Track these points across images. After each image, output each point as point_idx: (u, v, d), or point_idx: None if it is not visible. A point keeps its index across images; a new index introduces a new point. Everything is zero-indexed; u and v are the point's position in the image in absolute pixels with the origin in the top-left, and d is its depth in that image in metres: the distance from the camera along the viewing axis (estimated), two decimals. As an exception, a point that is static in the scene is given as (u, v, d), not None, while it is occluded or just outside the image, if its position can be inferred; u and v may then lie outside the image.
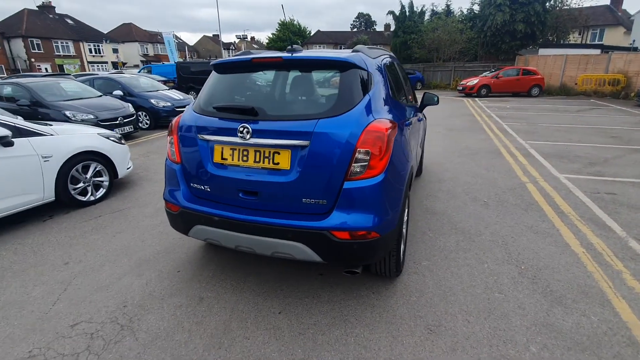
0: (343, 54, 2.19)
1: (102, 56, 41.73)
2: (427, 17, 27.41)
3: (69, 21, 40.21)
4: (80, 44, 38.67)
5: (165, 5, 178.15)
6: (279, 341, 1.96)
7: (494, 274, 2.56)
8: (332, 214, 1.93)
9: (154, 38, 48.96)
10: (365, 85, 2.09)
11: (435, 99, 4.03)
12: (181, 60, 27.51)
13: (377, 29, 51.16)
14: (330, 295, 2.35)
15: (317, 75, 2.35)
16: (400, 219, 2.17)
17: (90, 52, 40.57)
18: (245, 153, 2.06)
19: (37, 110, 7.10)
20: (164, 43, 52.28)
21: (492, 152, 6.17)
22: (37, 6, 37.68)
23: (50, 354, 1.89)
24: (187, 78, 15.70)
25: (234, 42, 76.77)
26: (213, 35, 47.47)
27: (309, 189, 1.95)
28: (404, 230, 2.55)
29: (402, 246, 2.42)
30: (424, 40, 24.44)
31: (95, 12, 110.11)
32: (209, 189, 2.20)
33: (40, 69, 34.32)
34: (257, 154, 2.03)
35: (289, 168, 1.97)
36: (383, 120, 2.01)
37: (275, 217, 1.99)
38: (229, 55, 72.16)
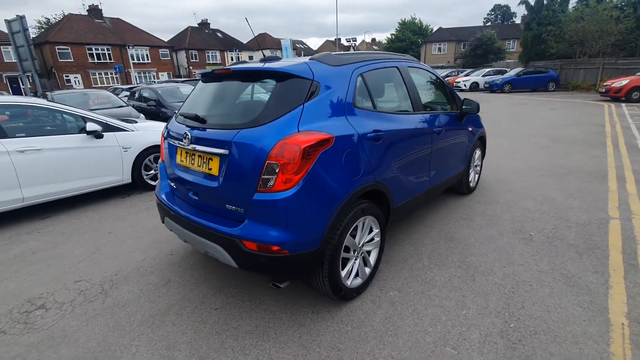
0: (288, 63, 2.15)
1: (240, 63, 48.84)
2: (571, 5, 22.59)
3: (219, 34, 48.52)
4: (225, 53, 46.22)
5: (300, 15, 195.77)
6: (196, 334, 2.09)
7: (467, 324, 2.09)
8: (244, 223, 1.94)
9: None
10: (302, 96, 2.01)
11: (475, 106, 3.45)
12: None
13: (517, 22, 44.82)
14: (271, 304, 2.34)
15: (260, 86, 2.35)
16: (329, 241, 2.01)
17: (232, 59, 47.97)
18: (192, 157, 2.26)
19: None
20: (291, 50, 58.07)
21: (593, 175, 4.81)
22: (197, 24, 46.82)
23: (50, 298, 2.49)
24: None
25: (354, 44, 79.01)
26: (347, 39, 50.40)
27: (230, 196, 2.01)
28: (357, 253, 2.32)
29: (342, 269, 2.20)
30: (563, 32, 20.24)
31: (242, 25, 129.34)
32: (174, 186, 2.49)
33: (195, 74, 42.49)
34: (199, 158, 2.20)
35: (217, 174, 2.07)
36: (311, 132, 1.90)
37: (206, 218, 2.13)
38: (347, 58, 74.54)
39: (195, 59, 43.11)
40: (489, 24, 51.54)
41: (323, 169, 1.92)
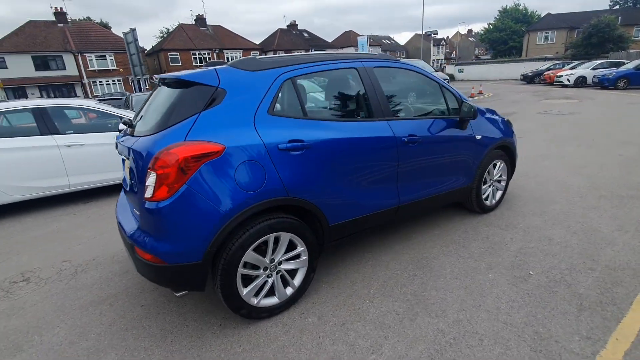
0: (201, 70, 2.09)
1: (324, 61, 50.06)
2: None
3: (306, 35, 50.43)
4: (295, 52, 47.87)
5: (391, 10, 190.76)
6: (109, 327, 2.23)
7: (367, 372, 1.77)
8: (136, 230, 1.98)
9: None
10: (201, 104, 1.94)
11: (469, 111, 2.88)
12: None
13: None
14: (189, 309, 2.35)
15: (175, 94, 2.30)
16: (219, 255, 1.91)
17: (316, 58, 49.48)
18: (123, 161, 2.39)
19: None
20: (376, 46, 57.03)
21: (682, 201, 3.58)
22: (286, 25, 49.45)
23: (37, 273, 2.95)
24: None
25: (447, 37, 73.57)
26: (426, 32, 47.59)
27: (136, 203, 2.06)
28: (271, 271, 2.15)
29: (245, 286, 2.06)
30: None
31: (336, 24, 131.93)
32: (125, 186, 2.69)
33: (282, 74, 45.10)
34: (123, 163, 2.32)
35: (129, 180, 2.15)
36: (196, 143, 1.83)
37: (124, 223, 2.23)
38: (438, 53, 69.08)
39: (282, 59, 45.66)
40: (617, 7, 42.35)
41: (206, 181, 1.83)
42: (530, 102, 13.32)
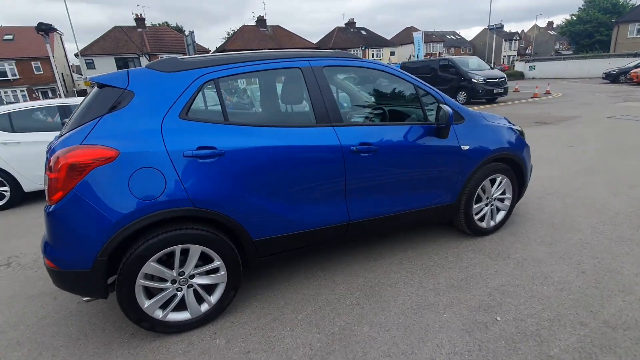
0: (119, 72, 2.01)
1: (380, 59, 48.87)
2: None
3: (363, 32, 49.64)
4: (367, 50, 47.03)
5: (461, 3, 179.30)
6: (22, 319, 2.31)
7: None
8: (44, 234, 1.98)
9: (429, 38, 51.37)
10: (106, 106, 1.88)
11: (445, 116, 2.44)
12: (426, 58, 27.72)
13: None
14: (108, 312, 2.33)
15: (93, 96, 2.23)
16: (102, 262, 1.83)
17: (373, 56, 48.49)
18: None
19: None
20: (438, 42, 54.05)
21: None
22: (344, 24, 49.21)
23: (20, 259, 3.21)
24: (407, 78, 15.94)
25: (521, 31, 67.02)
26: (493, 26, 43.43)
27: None
28: (181, 284, 2.01)
29: (148, 298, 1.97)
30: None
31: (401, 20, 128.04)
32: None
33: (337, 72, 45.09)
34: None
35: None
36: (89, 147, 1.76)
37: None
38: (510, 48, 63.37)
39: (338, 57, 45.63)
40: None
41: (95, 187, 1.75)
42: (605, 104, 11.40)
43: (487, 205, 3.03)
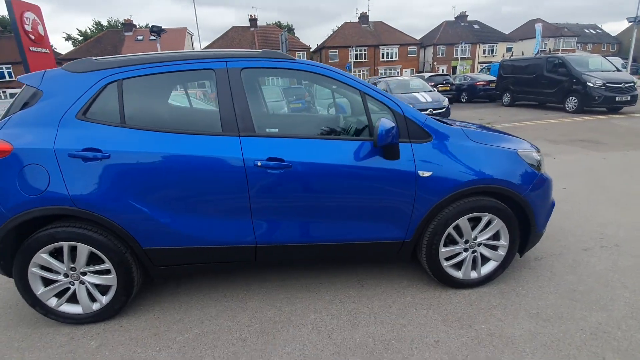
0: (34, 72, 2.12)
1: (493, 56, 43.50)
2: None
3: (476, 26, 44.82)
4: (477, 46, 42.46)
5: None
6: None
7: None
8: None
9: (559, 32, 43.45)
10: (19, 104, 2.02)
11: (382, 130, 1.92)
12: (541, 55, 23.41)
13: None
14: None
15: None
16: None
17: (484, 53, 43.48)
18: None
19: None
20: (571, 37, 45.24)
21: None
22: (454, 17, 45.26)
23: None
24: (506, 78, 13.80)
25: None
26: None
27: None
28: (73, 279, 2.07)
29: (43, 286, 2.07)
30: None
31: (531, 12, 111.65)
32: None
33: (438, 69, 42.01)
34: None
35: None
36: None
37: None
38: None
39: (442, 54, 42.36)
40: None
41: None
42: None
43: (466, 250, 2.32)
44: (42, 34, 11.08)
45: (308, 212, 2.11)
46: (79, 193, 1.93)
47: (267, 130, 2.09)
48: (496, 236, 2.33)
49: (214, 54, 2.11)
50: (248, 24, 41.17)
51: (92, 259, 2.08)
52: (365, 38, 41.39)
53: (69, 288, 2.12)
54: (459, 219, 2.20)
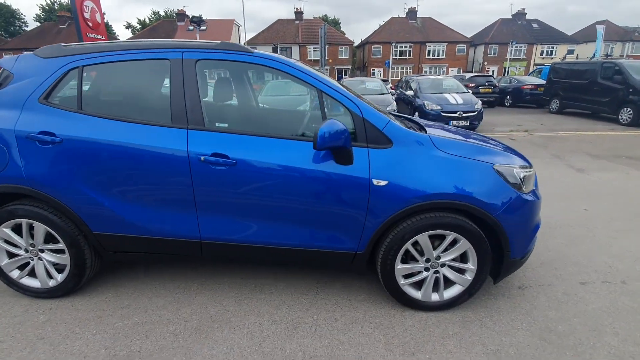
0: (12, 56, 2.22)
1: (552, 58, 40.07)
2: None
3: (535, 25, 41.49)
4: (534, 47, 39.35)
5: None
6: None
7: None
8: None
9: (628, 35, 38.98)
10: (-5, 86, 2.12)
11: (323, 132, 1.78)
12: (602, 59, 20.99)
13: None
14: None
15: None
16: None
17: (542, 54, 40.21)
18: None
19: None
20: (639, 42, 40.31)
21: None
22: (511, 15, 42.22)
23: None
24: (556, 82, 12.63)
25: None
26: None
27: None
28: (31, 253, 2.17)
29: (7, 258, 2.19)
30: None
31: (600, 13, 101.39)
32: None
33: (489, 70, 39.60)
34: None
35: None
36: None
37: None
38: None
39: (494, 53, 39.80)
40: None
41: None
42: None
43: (427, 270, 2.12)
44: (99, 22, 11.95)
45: (253, 212, 2.02)
46: (33, 174, 2.00)
47: (217, 124, 2.03)
48: (464, 258, 2.09)
49: (172, 44, 2.08)
50: (306, 17, 41.44)
51: (50, 238, 2.17)
52: (411, 34, 39.99)
53: (29, 263, 2.23)
54: (419, 235, 2.00)
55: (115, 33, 52.91)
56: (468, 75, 15.88)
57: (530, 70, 33.72)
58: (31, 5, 77.55)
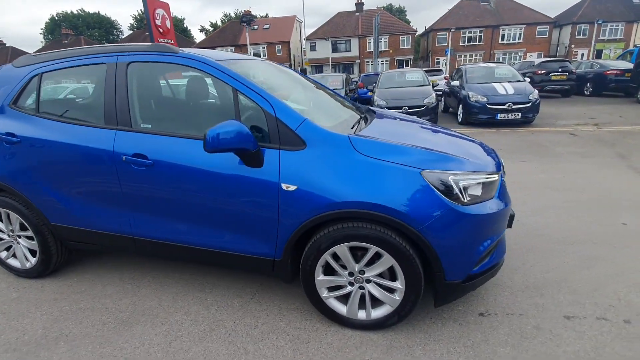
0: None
1: (663, 36, 33.20)
2: None
3: (636, 1, 34.65)
4: (634, 26, 33.00)
5: None
6: None
7: None
8: None
9: None
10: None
11: (213, 133, 1.70)
12: None
13: None
14: None
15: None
16: None
17: (649, 31, 33.53)
18: None
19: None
20: None
21: None
22: (610, -13, 35.83)
23: None
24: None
25: None
26: None
27: None
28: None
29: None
30: None
31: None
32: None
33: (577, 54, 34.42)
34: None
35: None
36: None
37: None
38: None
39: (583, 34, 34.36)
40: None
41: None
42: None
43: (352, 284, 1.91)
44: (169, 27, 13.23)
45: (174, 212, 2.04)
46: (2, 170, 2.29)
47: (142, 125, 2.08)
48: (393, 276, 1.85)
49: (110, 49, 2.17)
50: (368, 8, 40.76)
51: (25, 226, 2.46)
52: (483, 18, 36.51)
53: (12, 246, 2.57)
54: (337, 246, 1.82)
55: (192, 37, 58.11)
56: (538, 60, 13.99)
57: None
58: (127, 16, 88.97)
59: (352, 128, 2.10)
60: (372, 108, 3.04)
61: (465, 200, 1.73)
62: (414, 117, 3.07)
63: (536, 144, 6.39)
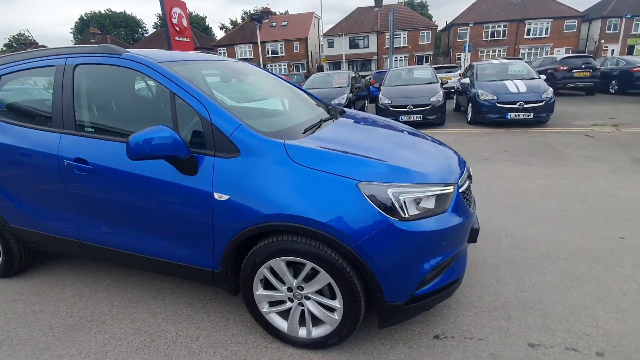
0: None
1: None
2: None
3: (683, -13, 32.21)
4: (678, 15, 30.68)
5: None
6: None
7: None
8: None
9: None
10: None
11: (135, 140, 1.63)
12: None
13: None
14: None
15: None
16: None
17: (692, 24, 31.15)
18: None
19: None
20: None
21: None
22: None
23: None
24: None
25: None
26: None
27: None
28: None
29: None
30: None
31: None
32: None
33: (607, 50, 32.54)
34: None
35: None
36: None
37: None
38: None
39: (614, 29, 32.33)
40: None
41: None
42: None
43: (291, 300, 1.81)
44: (185, 26, 13.43)
45: (115, 218, 1.99)
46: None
47: (86, 129, 2.04)
48: (333, 294, 1.72)
49: (60, 51, 2.14)
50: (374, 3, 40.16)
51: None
52: (507, 12, 35.04)
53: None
54: (272, 260, 1.71)
55: (213, 34, 59.02)
56: (560, 56, 13.25)
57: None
58: (152, 15, 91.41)
59: (305, 132, 1.98)
60: (344, 109, 2.90)
61: (407, 215, 1.58)
62: (388, 120, 2.90)
63: (545, 145, 6.01)
